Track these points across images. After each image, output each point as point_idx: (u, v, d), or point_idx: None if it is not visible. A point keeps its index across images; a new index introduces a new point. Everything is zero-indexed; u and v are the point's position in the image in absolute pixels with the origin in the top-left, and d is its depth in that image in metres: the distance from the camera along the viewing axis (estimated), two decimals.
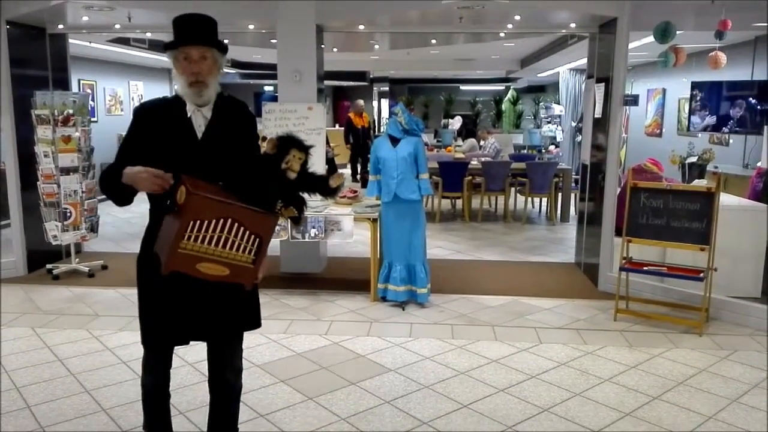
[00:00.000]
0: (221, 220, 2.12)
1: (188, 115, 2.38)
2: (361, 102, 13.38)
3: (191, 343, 2.51)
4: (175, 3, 5.89)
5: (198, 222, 2.09)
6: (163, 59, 12.12)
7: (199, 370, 3.86)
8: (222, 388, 2.65)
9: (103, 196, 2.44)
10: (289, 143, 2.34)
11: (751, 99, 7.13)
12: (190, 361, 3.98)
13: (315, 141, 5.81)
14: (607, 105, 5.69)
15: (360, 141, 12.64)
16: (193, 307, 2.40)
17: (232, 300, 2.46)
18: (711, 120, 7.43)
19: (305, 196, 2.42)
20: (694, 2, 5.40)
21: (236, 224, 2.14)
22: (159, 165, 2.25)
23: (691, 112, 8.07)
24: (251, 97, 19.21)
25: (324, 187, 2.40)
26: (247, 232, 2.17)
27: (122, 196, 2.35)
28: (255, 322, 2.60)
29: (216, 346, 2.59)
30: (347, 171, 13.11)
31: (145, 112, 2.42)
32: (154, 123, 2.37)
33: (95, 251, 6.93)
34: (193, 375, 3.83)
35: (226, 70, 14.74)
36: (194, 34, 2.35)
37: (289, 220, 2.42)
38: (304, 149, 2.36)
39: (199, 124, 2.39)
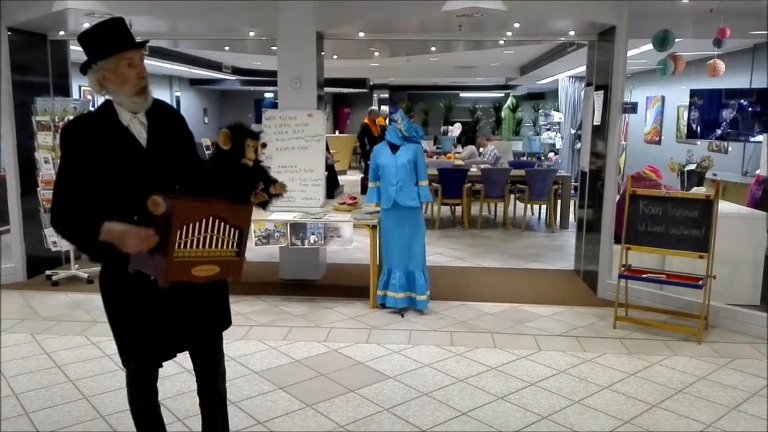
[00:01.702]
0: (204, 220, 2.15)
1: (125, 125, 2.27)
2: (374, 108, 13.42)
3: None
4: (176, 9, 5.95)
5: (185, 227, 2.10)
6: (164, 66, 12.13)
7: None
8: (215, 393, 2.64)
9: None
10: (242, 134, 2.39)
11: (743, 101, 7.16)
12: (189, 368, 3.96)
13: (315, 147, 5.84)
14: (606, 112, 5.71)
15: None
16: (175, 317, 2.36)
17: (207, 302, 2.45)
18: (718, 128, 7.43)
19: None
20: (693, 10, 5.42)
21: (217, 221, 2.18)
22: (107, 181, 2.17)
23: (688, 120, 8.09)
24: (251, 104, 19.26)
25: (266, 187, 2.43)
26: (228, 226, 2.22)
27: (99, 252, 2.21)
28: (227, 320, 2.59)
29: (203, 353, 2.56)
30: (351, 177, 13.05)
31: (78, 130, 2.24)
32: (92, 139, 2.21)
33: None
34: (192, 381, 3.81)
35: (226, 76, 14.83)
36: (131, 38, 2.26)
37: (258, 206, 2.45)
38: (256, 137, 2.42)
39: (139, 132, 2.30)
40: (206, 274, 2.19)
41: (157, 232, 2.11)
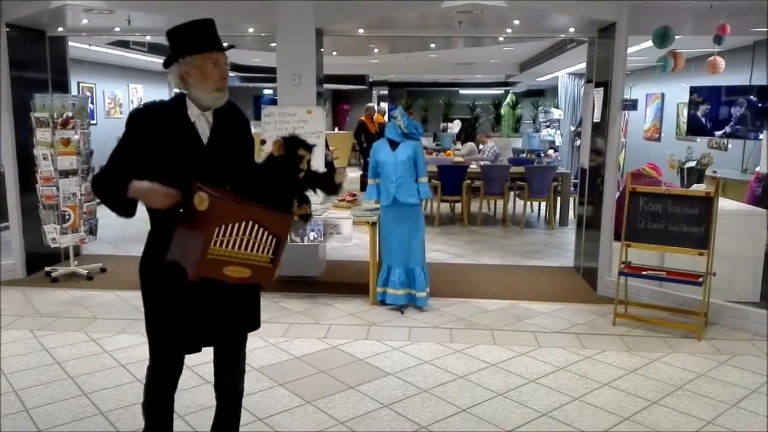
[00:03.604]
0: (244, 223, 2.18)
1: (192, 120, 2.36)
2: (371, 105, 13.39)
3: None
4: (175, 6, 5.93)
5: (224, 226, 2.14)
6: (162, 62, 12.12)
7: (197, 373, 3.85)
8: (230, 391, 2.66)
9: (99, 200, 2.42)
10: (296, 144, 2.42)
11: (750, 98, 7.11)
12: (189, 365, 3.95)
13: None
14: (606, 109, 5.70)
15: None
16: (207, 312, 2.40)
17: (239, 302, 2.48)
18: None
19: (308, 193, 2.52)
20: (693, 7, 5.41)
21: (256, 226, 2.21)
22: (164, 171, 2.25)
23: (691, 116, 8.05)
24: (251, 101, 19.19)
25: (329, 183, 2.49)
26: (266, 233, 2.23)
27: (126, 208, 2.32)
28: (257, 323, 2.62)
29: (225, 350, 2.59)
30: (351, 174, 13.04)
31: (146, 117, 2.34)
32: (156, 128, 2.31)
33: (94, 254, 6.93)
34: (192, 378, 3.82)
35: None
36: (219, 40, 2.38)
37: (299, 218, 2.48)
38: (309, 148, 2.45)
39: (204, 129, 2.38)
40: (237, 276, 2.22)
41: (198, 225, 2.14)
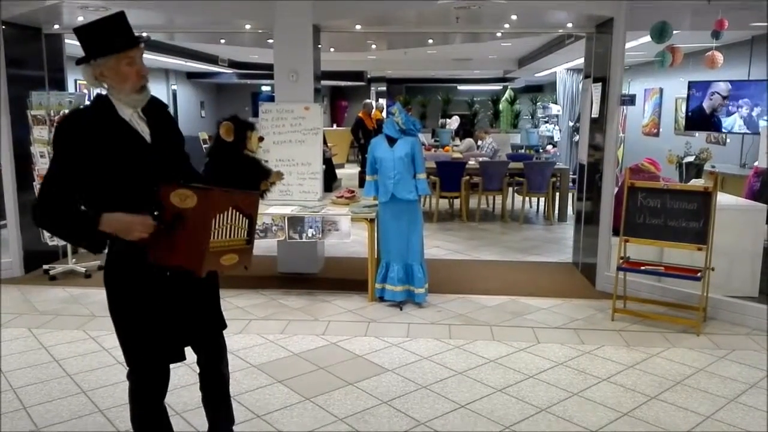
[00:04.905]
0: (228, 210, 2.21)
1: (126, 119, 2.22)
2: (369, 101, 13.35)
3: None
4: (171, 3, 5.91)
5: (216, 217, 2.16)
6: (159, 59, 12.07)
7: (196, 370, 3.84)
8: (221, 382, 2.66)
9: None
10: (244, 126, 2.49)
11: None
12: (187, 362, 3.95)
13: (312, 141, 5.82)
14: (605, 105, 5.69)
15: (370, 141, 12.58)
16: (185, 311, 2.37)
17: (207, 294, 2.47)
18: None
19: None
20: (691, 2, 5.40)
21: (235, 210, 2.24)
22: (111, 177, 2.13)
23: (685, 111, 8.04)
24: (248, 97, 19.18)
25: (261, 172, 2.57)
26: (242, 216, 2.27)
27: (96, 242, 2.14)
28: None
29: (210, 344, 2.58)
30: (349, 171, 13.01)
31: (77, 127, 2.14)
32: (92, 135, 2.12)
33: None
34: (191, 375, 3.81)
35: (223, 70, 14.77)
36: (131, 35, 2.21)
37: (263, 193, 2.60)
38: (254, 128, 2.54)
39: (142, 127, 2.26)
40: (230, 263, 2.25)
41: (191, 222, 2.13)
